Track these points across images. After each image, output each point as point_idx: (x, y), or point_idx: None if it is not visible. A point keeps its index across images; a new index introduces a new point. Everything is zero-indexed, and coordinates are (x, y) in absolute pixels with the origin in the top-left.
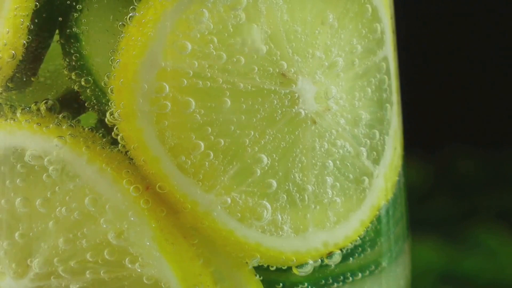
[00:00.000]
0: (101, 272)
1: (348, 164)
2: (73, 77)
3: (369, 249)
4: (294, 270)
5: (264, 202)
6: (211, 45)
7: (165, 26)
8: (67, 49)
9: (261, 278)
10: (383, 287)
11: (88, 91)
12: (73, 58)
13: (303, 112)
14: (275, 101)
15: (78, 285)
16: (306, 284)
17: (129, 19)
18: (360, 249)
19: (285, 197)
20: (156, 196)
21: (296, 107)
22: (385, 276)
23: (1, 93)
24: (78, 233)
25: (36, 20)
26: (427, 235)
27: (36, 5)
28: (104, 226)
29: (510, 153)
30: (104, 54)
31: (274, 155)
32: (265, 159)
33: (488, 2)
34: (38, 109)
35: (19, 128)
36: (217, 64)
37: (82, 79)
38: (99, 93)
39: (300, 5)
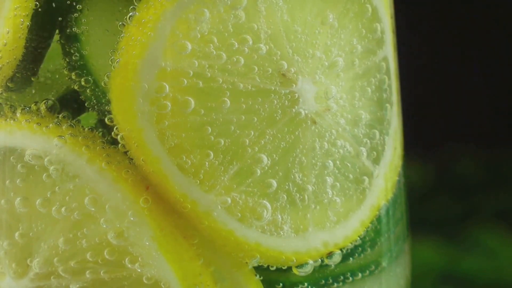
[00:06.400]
0: (101, 272)
1: (348, 164)
2: (73, 77)
3: (369, 249)
4: (294, 270)
5: (264, 202)
6: (211, 45)
7: (165, 26)
8: (67, 49)
9: (261, 278)
10: (383, 287)
11: (88, 91)
12: (73, 58)
13: (303, 112)
14: (275, 101)
15: (78, 285)
16: (306, 284)
17: (129, 19)
18: (360, 249)
19: (285, 197)
20: (156, 196)
21: (296, 107)
22: (385, 276)
23: (1, 93)
24: (78, 233)
25: (36, 20)
26: (427, 235)
27: (36, 5)
28: (104, 226)
29: (510, 153)
30: (104, 54)
31: (274, 155)
32: (265, 159)
33: (488, 1)
34: (38, 109)
35: (19, 128)
36: (217, 64)
37: (82, 79)
38: (99, 93)
39: (300, 5)
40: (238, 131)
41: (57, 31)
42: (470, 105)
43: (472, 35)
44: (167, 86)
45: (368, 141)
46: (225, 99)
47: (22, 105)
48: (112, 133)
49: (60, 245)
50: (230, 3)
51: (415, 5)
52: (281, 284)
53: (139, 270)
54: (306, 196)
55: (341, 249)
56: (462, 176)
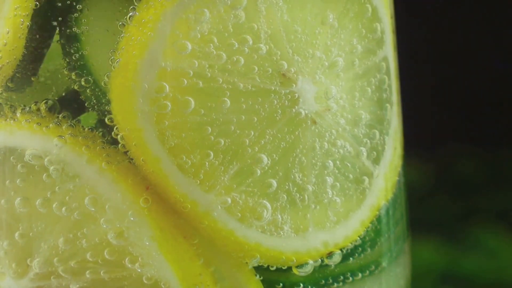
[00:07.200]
0: (101, 272)
1: (348, 164)
2: (73, 77)
3: (369, 249)
4: (294, 270)
5: (264, 202)
6: (211, 45)
7: (165, 26)
8: (67, 49)
9: (261, 278)
10: (383, 287)
11: (88, 91)
12: (73, 58)
13: (303, 112)
14: (275, 101)
15: (78, 285)
16: (306, 284)
17: (129, 19)
18: (360, 249)
19: (285, 197)
20: (156, 195)
21: (296, 107)
22: (385, 276)
23: (1, 93)
24: (78, 233)
25: (36, 20)
26: (427, 235)
27: (36, 5)
28: (104, 226)
29: (510, 153)
30: (104, 54)
31: (274, 155)
32: (265, 159)
33: (488, 2)
34: (38, 109)
35: (19, 128)
36: (217, 64)
37: (82, 79)
38: (99, 93)
39: (300, 5)
40: (238, 131)
41: (57, 31)
42: (470, 105)
43: (472, 34)
44: (167, 86)
45: (368, 141)
46: (225, 99)
47: (22, 105)
48: (112, 133)
49: (60, 245)
50: (230, 3)
51: (415, 5)
52: (281, 284)
53: (139, 270)
54: (306, 196)
55: (341, 249)
56: (462, 176)
